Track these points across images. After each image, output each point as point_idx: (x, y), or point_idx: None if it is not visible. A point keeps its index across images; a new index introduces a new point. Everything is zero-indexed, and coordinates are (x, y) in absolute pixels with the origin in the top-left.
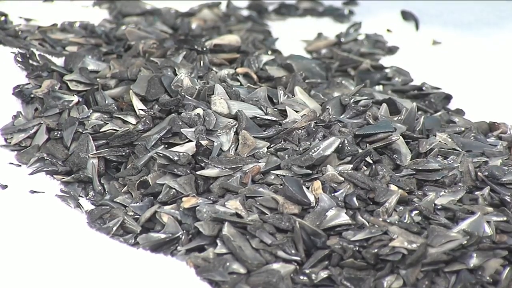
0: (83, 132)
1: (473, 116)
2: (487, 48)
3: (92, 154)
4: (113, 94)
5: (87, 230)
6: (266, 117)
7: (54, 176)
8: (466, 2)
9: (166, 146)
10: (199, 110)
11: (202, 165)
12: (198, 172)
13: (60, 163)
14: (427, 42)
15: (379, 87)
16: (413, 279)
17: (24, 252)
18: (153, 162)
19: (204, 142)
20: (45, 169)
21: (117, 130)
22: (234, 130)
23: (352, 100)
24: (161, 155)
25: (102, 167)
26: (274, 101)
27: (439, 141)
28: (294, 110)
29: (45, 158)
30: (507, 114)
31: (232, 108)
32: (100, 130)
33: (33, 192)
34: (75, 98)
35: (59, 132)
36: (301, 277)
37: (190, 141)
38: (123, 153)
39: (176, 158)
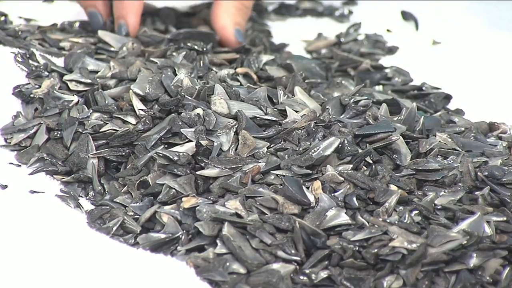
0: (83, 132)
1: (473, 116)
2: (487, 48)
3: (92, 154)
4: (113, 94)
5: (87, 230)
6: (266, 117)
7: (54, 176)
8: (466, 2)
9: (166, 146)
10: (199, 110)
11: (202, 165)
12: (198, 172)
13: (60, 163)
14: (427, 42)
15: (379, 87)
16: (413, 279)
17: (24, 252)
18: (153, 162)
19: (204, 142)
20: (45, 169)
21: (117, 130)
22: (234, 130)
23: (352, 100)
24: (161, 155)
25: (102, 167)
26: (274, 101)
27: (439, 141)
28: (294, 110)
29: (45, 158)
30: (507, 114)
31: (232, 108)
32: (100, 130)
33: (33, 192)
34: (75, 98)
35: (59, 132)
36: (301, 277)
37: (190, 141)
38: (123, 153)
39: (176, 158)
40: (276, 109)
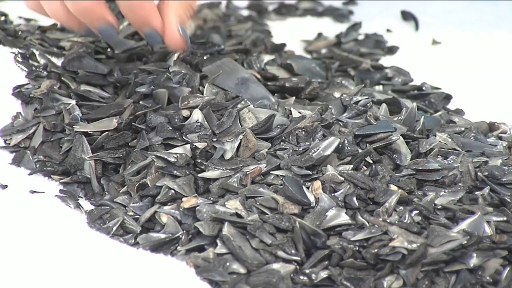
0: (74, 132)
1: (473, 116)
2: (487, 48)
3: (89, 157)
4: None
5: (87, 230)
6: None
7: (52, 176)
8: (466, 2)
9: (165, 147)
10: (199, 116)
11: (202, 167)
12: (200, 175)
13: (57, 164)
14: (427, 42)
15: (379, 87)
16: (413, 279)
17: (24, 252)
18: (152, 164)
19: (200, 145)
20: (43, 168)
21: (105, 131)
22: (241, 138)
23: (353, 101)
24: (159, 157)
25: (99, 170)
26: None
27: (439, 141)
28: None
29: (42, 160)
30: (507, 114)
31: (259, 117)
32: (84, 130)
33: (33, 192)
34: (73, 101)
35: (52, 135)
36: (301, 277)
37: (188, 142)
38: (120, 155)
39: (173, 160)
40: (285, 112)
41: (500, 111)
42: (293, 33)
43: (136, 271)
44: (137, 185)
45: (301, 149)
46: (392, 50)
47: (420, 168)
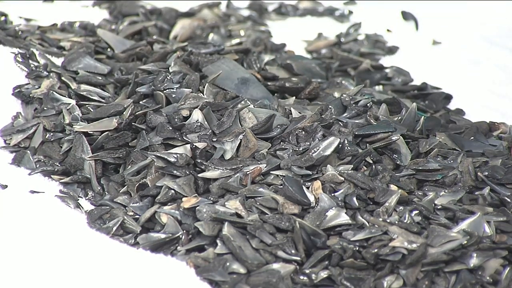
0: (74, 132)
1: (473, 116)
2: (487, 48)
3: (89, 157)
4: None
5: (87, 230)
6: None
7: (52, 176)
8: (466, 2)
9: (165, 147)
10: (199, 116)
11: (202, 167)
12: (200, 175)
13: (57, 164)
14: (427, 42)
15: (379, 87)
16: (413, 279)
17: (24, 252)
18: (152, 164)
19: (200, 145)
20: (44, 168)
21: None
22: (241, 138)
23: (353, 101)
24: (159, 157)
25: (99, 170)
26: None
27: (439, 141)
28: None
29: (42, 160)
30: (507, 114)
31: (259, 117)
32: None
33: (33, 192)
34: (73, 101)
35: (52, 134)
36: (301, 277)
37: (188, 142)
38: (120, 155)
39: (173, 160)
40: (285, 112)
41: (500, 111)
42: (293, 33)
43: (136, 271)
44: (137, 185)
45: (301, 149)
46: (392, 50)
47: (420, 168)
